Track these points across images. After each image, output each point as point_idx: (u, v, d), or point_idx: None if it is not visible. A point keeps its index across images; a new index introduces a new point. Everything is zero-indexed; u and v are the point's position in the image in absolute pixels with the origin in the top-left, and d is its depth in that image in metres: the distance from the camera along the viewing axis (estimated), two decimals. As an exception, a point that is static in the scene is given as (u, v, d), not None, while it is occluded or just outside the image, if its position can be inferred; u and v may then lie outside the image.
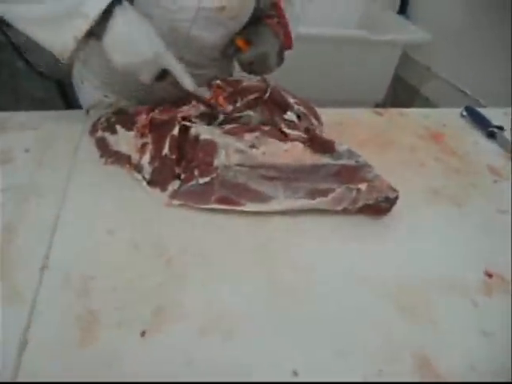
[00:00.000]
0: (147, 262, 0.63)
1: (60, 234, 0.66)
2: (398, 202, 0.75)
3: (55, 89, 2.44)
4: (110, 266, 0.62)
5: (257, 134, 0.79)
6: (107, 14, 0.70)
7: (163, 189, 0.76)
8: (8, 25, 0.73)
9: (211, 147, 0.77)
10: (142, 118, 0.82)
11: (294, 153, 0.76)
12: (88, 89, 1.04)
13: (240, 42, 0.92)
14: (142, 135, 0.81)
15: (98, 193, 0.75)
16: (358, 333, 0.57)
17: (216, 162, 0.75)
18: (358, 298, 0.62)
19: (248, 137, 0.78)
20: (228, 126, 0.82)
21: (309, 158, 0.76)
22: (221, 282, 0.61)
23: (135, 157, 0.80)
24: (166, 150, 0.77)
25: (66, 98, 1.00)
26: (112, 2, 0.69)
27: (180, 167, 0.78)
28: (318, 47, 2.17)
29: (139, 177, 0.78)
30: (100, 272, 0.61)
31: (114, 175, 0.79)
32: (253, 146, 0.77)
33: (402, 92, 2.56)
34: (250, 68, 0.92)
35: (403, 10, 2.60)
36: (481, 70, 2.09)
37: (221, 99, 0.87)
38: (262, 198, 0.72)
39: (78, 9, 0.69)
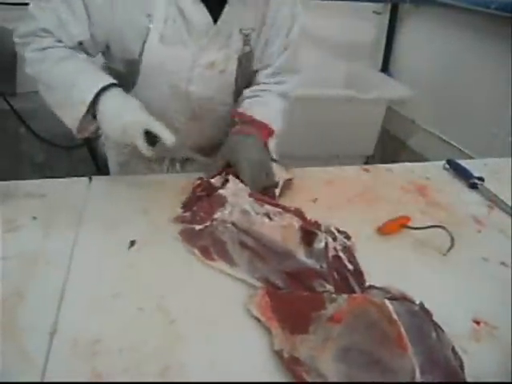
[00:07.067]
0: (152, 323, 0.66)
1: (67, 299, 0.70)
2: (386, 255, 0.79)
3: (55, 153, 2.54)
4: (115, 329, 0.65)
5: (280, 210, 0.82)
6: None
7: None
8: (11, 94, 0.88)
9: (220, 202, 0.84)
10: None
11: (285, 232, 0.78)
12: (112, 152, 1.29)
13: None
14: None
15: (103, 258, 0.79)
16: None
17: (217, 215, 0.81)
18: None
19: (269, 208, 0.82)
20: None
21: (291, 242, 0.76)
22: (222, 342, 0.64)
23: None
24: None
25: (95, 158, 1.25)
26: (101, 89, 0.89)
27: None
28: (309, 106, 2.28)
29: None
30: (106, 335, 0.64)
31: (118, 240, 0.83)
32: (267, 216, 0.80)
33: (390, 145, 2.67)
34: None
35: (385, 67, 2.76)
36: (463, 120, 2.20)
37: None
38: (229, 261, 0.77)
39: (78, 96, 0.91)
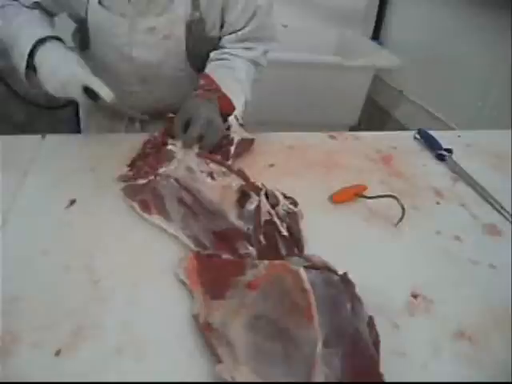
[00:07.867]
0: (75, 283, 0.64)
1: (-6, 255, 0.67)
2: (335, 224, 0.77)
3: (36, 113, 2.49)
4: (37, 286, 0.63)
5: (224, 170, 0.80)
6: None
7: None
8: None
9: (168, 157, 0.81)
10: None
11: (223, 192, 0.74)
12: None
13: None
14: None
15: (41, 215, 0.76)
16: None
17: (162, 170, 0.79)
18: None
19: (214, 167, 0.80)
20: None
21: (226, 202, 0.73)
22: (143, 304, 0.62)
23: None
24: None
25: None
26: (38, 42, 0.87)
27: None
28: (294, 72, 2.23)
29: None
30: (26, 293, 0.62)
31: (58, 198, 0.80)
32: (211, 175, 0.77)
33: (376, 115, 2.61)
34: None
35: (376, 36, 2.69)
36: (449, 93, 2.14)
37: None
38: (165, 216, 0.74)
39: (18, 51, 0.89)
